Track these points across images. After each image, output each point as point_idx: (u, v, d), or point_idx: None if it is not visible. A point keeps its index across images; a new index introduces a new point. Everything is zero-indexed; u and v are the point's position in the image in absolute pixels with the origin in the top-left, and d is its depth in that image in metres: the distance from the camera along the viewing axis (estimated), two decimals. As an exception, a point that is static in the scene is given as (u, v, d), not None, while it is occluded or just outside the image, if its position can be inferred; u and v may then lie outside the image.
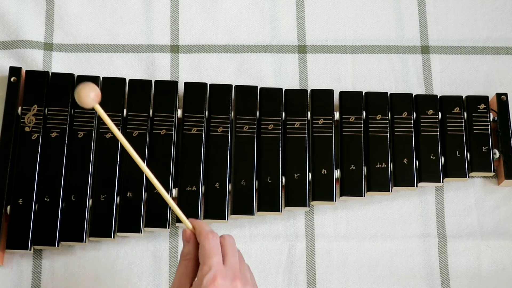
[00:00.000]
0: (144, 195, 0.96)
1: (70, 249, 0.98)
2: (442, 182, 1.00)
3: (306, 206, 0.98)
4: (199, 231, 0.78)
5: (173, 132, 0.99)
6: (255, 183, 0.98)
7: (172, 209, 0.80)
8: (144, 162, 0.97)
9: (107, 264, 0.98)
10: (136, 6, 1.09)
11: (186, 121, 0.99)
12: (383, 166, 1.00)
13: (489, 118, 1.03)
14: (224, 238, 0.78)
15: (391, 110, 1.03)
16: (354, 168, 0.99)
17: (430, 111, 1.03)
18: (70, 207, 0.95)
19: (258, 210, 0.98)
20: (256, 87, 1.02)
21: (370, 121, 1.02)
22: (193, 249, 0.77)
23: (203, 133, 0.99)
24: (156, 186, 0.80)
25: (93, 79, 1.00)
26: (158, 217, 0.96)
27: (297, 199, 0.98)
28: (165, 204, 0.95)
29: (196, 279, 0.74)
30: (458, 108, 1.03)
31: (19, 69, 1.00)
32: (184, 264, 0.77)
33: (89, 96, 0.76)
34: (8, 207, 0.95)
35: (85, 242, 0.94)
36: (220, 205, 0.97)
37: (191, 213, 0.96)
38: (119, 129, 0.98)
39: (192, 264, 0.76)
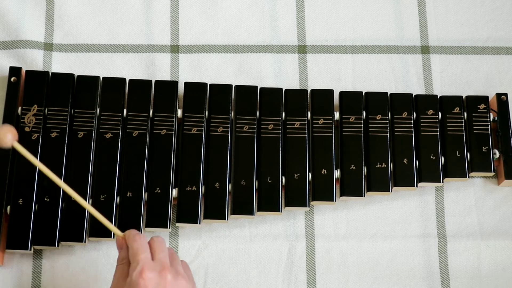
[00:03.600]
0: (144, 195, 0.96)
1: (70, 249, 0.98)
2: (442, 182, 1.00)
3: (306, 206, 0.98)
4: (127, 235, 0.82)
5: (173, 132, 0.99)
6: (255, 183, 0.98)
7: (100, 221, 0.84)
8: (144, 162, 0.97)
9: (107, 264, 0.98)
10: (136, 6, 1.09)
11: (186, 121, 0.99)
12: (383, 166, 1.00)
13: (489, 118, 1.03)
14: (152, 238, 0.83)
15: (391, 110, 1.03)
16: (354, 168, 0.99)
17: (430, 111, 1.03)
18: (70, 207, 0.95)
19: (258, 210, 0.98)
20: (256, 87, 1.02)
21: (370, 121, 1.02)
22: (126, 254, 0.81)
23: (203, 133, 0.99)
24: (74, 196, 0.84)
25: (93, 79, 1.00)
26: (158, 217, 0.96)
27: (297, 199, 0.98)
28: (165, 204, 0.96)
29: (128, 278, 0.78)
30: (458, 108, 1.03)
31: (19, 69, 1.00)
32: (120, 268, 0.81)
33: (7, 137, 0.81)
34: (8, 207, 0.95)
35: (85, 242, 0.94)
36: (220, 205, 0.97)
37: (191, 213, 0.96)
38: (119, 129, 0.98)
39: (127, 267, 0.80)
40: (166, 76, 1.06)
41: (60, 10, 1.07)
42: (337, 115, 1.02)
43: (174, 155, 0.98)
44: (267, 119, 1.01)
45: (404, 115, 1.02)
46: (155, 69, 1.06)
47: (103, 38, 1.07)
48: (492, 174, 1.02)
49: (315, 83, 1.07)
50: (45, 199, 0.95)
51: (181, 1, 1.09)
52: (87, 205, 0.84)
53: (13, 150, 0.96)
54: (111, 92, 1.00)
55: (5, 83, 1.00)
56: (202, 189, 0.97)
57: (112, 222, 0.95)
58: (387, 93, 1.04)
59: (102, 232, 0.95)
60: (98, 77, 1.01)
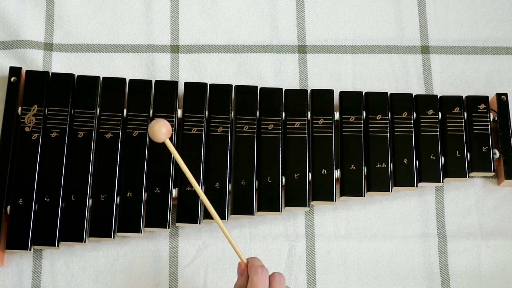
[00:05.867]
0: (144, 195, 0.96)
1: (70, 249, 0.98)
2: (442, 182, 1.00)
3: (306, 206, 0.98)
4: (251, 265, 0.83)
5: (173, 132, 0.98)
6: (255, 183, 0.98)
7: (231, 245, 0.87)
8: (144, 162, 0.97)
9: (107, 264, 0.98)
10: (136, 6, 1.09)
11: (186, 121, 0.99)
12: (383, 166, 1.00)
13: (489, 118, 1.03)
14: (273, 275, 0.82)
15: (391, 110, 1.03)
16: (354, 168, 0.99)
17: (430, 111, 1.03)
18: (70, 207, 0.95)
19: (258, 210, 0.98)
20: (256, 87, 1.02)
21: (370, 121, 1.02)
22: (245, 282, 0.82)
23: (203, 133, 0.99)
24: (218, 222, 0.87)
25: (93, 79, 1.00)
26: (158, 217, 0.96)
27: (297, 199, 0.98)
28: (165, 204, 0.96)
29: None
30: (458, 108, 1.03)
31: (19, 69, 1.00)
32: None
33: (161, 131, 0.83)
34: (8, 207, 0.95)
35: (85, 242, 0.95)
36: (220, 205, 0.97)
37: (191, 213, 0.96)
38: (119, 129, 0.98)
39: None
40: (166, 76, 1.06)
41: (60, 10, 1.07)
42: (337, 115, 1.02)
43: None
44: (267, 119, 1.01)
45: (404, 115, 1.02)
46: (155, 69, 1.06)
47: (103, 38, 1.07)
48: (492, 174, 1.02)
49: (315, 83, 1.07)
50: (45, 199, 0.95)
51: (181, 1, 1.09)
52: (224, 228, 0.87)
53: (14, 150, 0.96)
54: (111, 92, 1.00)
55: (5, 83, 1.00)
56: (202, 189, 0.97)
57: (112, 222, 0.95)
58: (387, 93, 1.04)
59: (102, 232, 0.95)
60: (98, 77, 1.01)
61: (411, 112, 1.02)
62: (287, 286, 0.83)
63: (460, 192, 1.03)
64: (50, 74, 1.01)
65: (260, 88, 1.03)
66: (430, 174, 1.00)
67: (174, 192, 0.97)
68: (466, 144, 1.02)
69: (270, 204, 0.98)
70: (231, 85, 1.02)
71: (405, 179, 1.00)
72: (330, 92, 1.03)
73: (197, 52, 1.07)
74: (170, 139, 0.86)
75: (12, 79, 0.99)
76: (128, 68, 1.06)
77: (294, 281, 0.98)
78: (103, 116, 0.99)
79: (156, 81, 1.02)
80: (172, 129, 0.98)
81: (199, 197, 0.96)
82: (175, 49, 1.07)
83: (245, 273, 0.83)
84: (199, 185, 0.97)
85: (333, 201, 0.98)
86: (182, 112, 1.00)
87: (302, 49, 1.08)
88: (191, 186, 0.97)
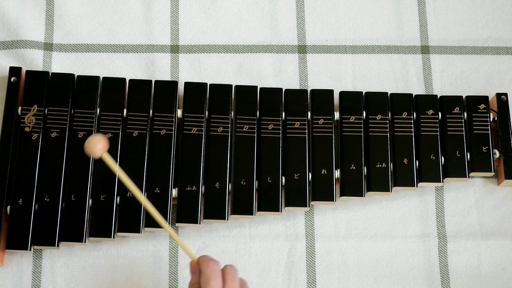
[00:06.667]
0: (144, 195, 0.96)
1: (70, 249, 0.98)
2: (442, 182, 1.00)
3: (306, 206, 0.98)
4: (201, 260, 0.83)
5: (173, 132, 0.99)
6: (255, 183, 0.98)
7: (178, 244, 0.88)
8: (144, 162, 0.97)
9: (107, 264, 0.98)
10: (136, 6, 1.09)
11: (186, 121, 0.99)
12: (383, 166, 1.00)
13: (489, 118, 1.03)
14: (225, 267, 0.83)
15: (391, 110, 1.03)
16: (354, 168, 0.99)
17: (430, 111, 1.03)
18: (70, 207, 0.95)
19: (258, 210, 0.98)
20: (256, 87, 1.02)
21: (370, 121, 1.02)
22: (198, 279, 0.82)
23: (203, 133, 0.99)
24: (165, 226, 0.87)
25: (93, 79, 1.00)
26: (158, 217, 0.96)
27: (297, 199, 0.98)
28: (165, 204, 0.96)
29: None
30: (458, 108, 1.03)
31: (19, 69, 1.00)
32: None
33: (97, 147, 0.84)
34: (8, 207, 0.95)
35: (85, 242, 0.94)
36: (220, 205, 0.97)
37: (191, 213, 0.96)
38: (119, 129, 0.98)
39: None
40: (166, 76, 1.06)
41: (60, 10, 1.07)
42: (337, 115, 1.02)
43: (174, 155, 0.98)
44: (267, 119, 1.01)
45: (404, 115, 1.02)
46: (155, 69, 1.06)
47: (103, 38, 1.07)
48: (492, 174, 1.02)
49: (315, 83, 1.07)
50: (45, 199, 0.95)
51: (181, 1, 1.09)
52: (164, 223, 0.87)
53: (14, 150, 0.96)
54: (111, 92, 1.00)
55: (5, 83, 1.00)
56: (202, 189, 0.97)
57: (112, 222, 0.95)
58: (387, 93, 1.04)
59: (102, 232, 0.95)
60: (98, 77, 1.01)
61: (411, 112, 1.02)
62: (240, 278, 0.83)
63: (460, 192, 1.03)
64: (50, 74, 1.01)
65: (260, 88, 1.03)
66: (430, 174, 1.00)
67: (174, 192, 0.97)
68: (466, 144, 1.02)
69: (270, 204, 0.98)
70: (231, 85, 1.02)
71: (405, 179, 1.00)
72: (330, 92, 1.03)
73: (197, 52, 1.07)
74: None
75: (12, 79, 0.99)
76: (128, 68, 1.06)
77: (294, 281, 0.98)
78: (103, 116, 0.99)
79: (156, 81, 1.02)
80: (172, 129, 0.99)
81: (199, 197, 0.96)
82: (175, 49, 1.07)
83: (197, 270, 0.83)
84: (200, 186, 0.97)
85: (333, 201, 0.98)
86: (182, 112, 1.00)
87: (302, 49, 1.08)
88: (191, 187, 0.97)
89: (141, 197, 0.87)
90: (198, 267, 0.83)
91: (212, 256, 0.84)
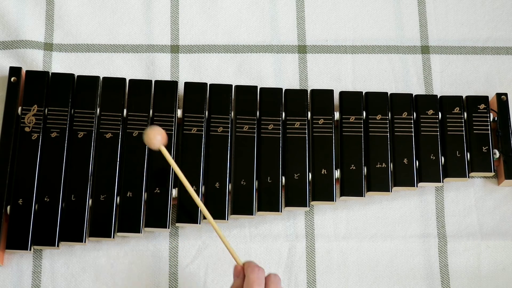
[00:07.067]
0: (144, 195, 0.96)
1: (70, 249, 0.98)
2: (442, 182, 1.00)
3: (306, 206, 0.98)
4: (247, 265, 0.84)
5: (173, 132, 0.99)
6: (255, 183, 0.98)
7: (227, 248, 0.88)
8: (144, 162, 0.97)
9: (107, 264, 0.98)
10: (136, 6, 1.09)
11: (186, 121, 0.99)
12: (383, 166, 1.00)
13: (489, 118, 1.03)
14: (269, 275, 0.84)
15: (391, 110, 1.03)
16: (354, 168, 0.99)
17: (430, 111, 1.03)
18: (70, 207, 0.95)
19: (258, 210, 0.98)
20: (256, 87, 1.02)
21: (370, 121, 1.02)
22: (241, 283, 0.83)
23: (203, 133, 0.99)
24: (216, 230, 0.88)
25: (93, 79, 1.00)
26: (158, 217, 0.96)
27: (297, 199, 0.98)
28: (165, 204, 0.96)
29: None
30: (458, 108, 1.03)
31: (19, 69, 1.00)
32: None
33: (156, 138, 0.86)
34: (8, 207, 0.95)
35: (85, 242, 0.94)
36: (220, 205, 0.97)
37: (191, 213, 0.96)
38: (119, 129, 0.98)
39: None
40: (166, 76, 1.06)
41: (60, 10, 1.07)
42: (337, 115, 1.02)
43: (174, 155, 0.98)
44: (267, 119, 1.01)
45: (404, 115, 1.02)
46: (155, 69, 1.06)
47: (103, 38, 1.07)
48: (492, 174, 1.02)
49: (315, 83, 1.07)
50: (45, 199, 0.95)
51: (181, 1, 1.09)
52: (220, 233, 0.88)
53: (14, 150, 0.96)
54: (111, 92, 1.00)
55: (5, 83, 1.00)
56: (202, 189, 0.97)
57: (112, 222, 0.95)
58: (387, 93, 1.04)
59: (102, 232, 0.95)
60: (98, 77, 1.01)
61: (411, 112, 1.02)
62: None
63: (460, 192, 1.03)
64: (50, 74, 1.01)
65: (260, 88, 1.03)
66: (430, 174, 1.00)
67: (174, 192, 0.97)
68: (466, 144, 1.02)
69: (270, 204, 0.98)
70: (231, 85, 1.02)
71: (405, 179, 1.00)
72: (330, 92, 1.03)
73: (197, 52, 1.07)
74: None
75: (12, 79, 0.99)
76: (128, 68, 1.06)
77: (294, 281, 0.98)
78: (103, 116, 0.99)
79: (156, 81, 1.02)
80: (172, 129, 0.99)
81: (199, 197, 0.96)
82: (175, 49, 1.07)
83: (241, 275, 0.84)
84: (200, 186, 0.97)
85: (333, 201, 0.98)
86: (182, 112, 1.00)
87: (302, 49, 1.08)
88: (191, 186, 0.97)
89: (195, 194, 0.89)
90: (242, 272, 0.84)
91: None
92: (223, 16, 1.09)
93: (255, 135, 1.00)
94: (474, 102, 1.03)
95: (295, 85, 1.07)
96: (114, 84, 1.01)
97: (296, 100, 1.02)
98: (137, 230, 0.95)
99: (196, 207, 0.96)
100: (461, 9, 1.12)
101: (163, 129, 0.98)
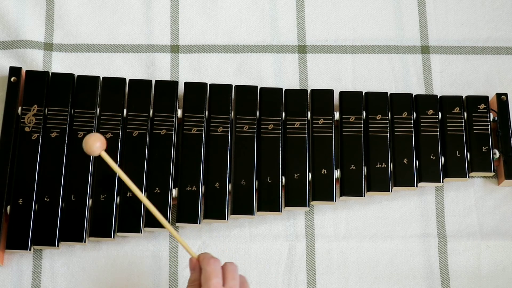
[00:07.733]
0: (144, 195, 0.96)
1: (70, 249, 0.98)
2: (442, 182, 1.00)
3: (306, 206, 0.98)
4: (202, 257, 0.83)
5: (173, 132, 0.99)
6: (255, 183, 0.98)
7: (178, 241, 0.87)
8: (144, 162, 0.97)
9: (107, 264, 0.98)
10: (136, 6, 1.09)
11: (186, 121, 0.99)
12: (383, 166, 1.00)
13: (489, 118, 1.03)
14: (225, 264, 0.83)
15: (391, 110, 1.03)
16: (354, 168, 0.99)
17: (430, 111, 1.03)
18: (70, 207, 0.95)
19: (258, 210, 0.98)
20: (256, 87, 1.02)
21: (370, 121, 1.02)
22: (198, 276, 0.82)
23: (203, 133, 0.99)
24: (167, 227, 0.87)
25: (93, 79, 1.00)
26: (158, 217, 0.96)
27: (297, 199, 0.98)
28: (165, 204, 0.96)
29: None
30: (458, 108, 1.03)
31: (19, 69, 1.00)
32: None
33: (95, 145, 0.84)
34: (8, 207, 0.95)
35: (85, 242, 0.94)
36: (220, 205, 0.97)
37: (191, 213, 0.96)
38: (119, 129, 0.98)
39: None
40: (166, 76, 1.06)
41: (60, 10, 1.07)
42: (337, 115, 1.02)
43: (174, 155, 0.98)
44: (267, 119, 1.01)
45: (404, 115, 1.02)
46: (155, 69, 1.06)
47: (103, 38, 1.07)
48: (492, 174, 1.02)
49: (315, 83, 1.07)
50: (45, 199, 0.95)
51: (181, 1, 1.09)
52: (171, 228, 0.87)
53: (14, 150, 0.96)
54: (111, 92, 1.00)
55: (5, 83, 1.00)
56: (202, 189, 0.97)
57: (112, 222, 0.95)
58: (387, 93, 1.04)
59: (102, 232, 0.95)
60: (98, 77, 1.01)
61: (411, 112, 1.02)
62: (240, 275, 0.83)
63: (460, 192, 1.03)
64: (50, 74, 1.01)
65: (260, 88, 1.03)
66: (430, 174, 1.00)
67: (174, 192, 0.97)
68: (466, 144, 1.02)
69: (270, 204, 0.98)
70: (231, 85, 1.02)
71: (405, 179, 1.00)
72: (330, 92, 1.03)
73: (197, 52, 1.07)
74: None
75: (12, 79, 0.99)
76: (128, 68, 1.06)
77: (294, 281, 0.98)
78: (103, 116, 0.99)
79: (156, 81, 1.02)
80: (172, 129, 0.99)
81: (199, 197, 0.96)
82: (175, 49, 1.07)
83: (197, 268, 0.83)
84: (200, 186, 0.97)
85: (333, 201, 0.98)
86: (182, 112, 1.00)
87: (302, 49, 1.08)
88: (191, 187, 0.97)
89: (141, 195, 0.87)
90: (198, 265, 0.83)
91: (212, 254, 0.84)
92: (223, 16, 1.09)
93: (255, 135, 1.00)
94: (474, 102, 1.03)
95: (295, 85, 1.07)
96: (114, 84, 1.01)
97: (296, 100, 1.02)
98: (137, 230, 0.95)
99: (196, 207, 0.96)
100: (461, 9, 1.12)
101: (164, 129, 0.98)
